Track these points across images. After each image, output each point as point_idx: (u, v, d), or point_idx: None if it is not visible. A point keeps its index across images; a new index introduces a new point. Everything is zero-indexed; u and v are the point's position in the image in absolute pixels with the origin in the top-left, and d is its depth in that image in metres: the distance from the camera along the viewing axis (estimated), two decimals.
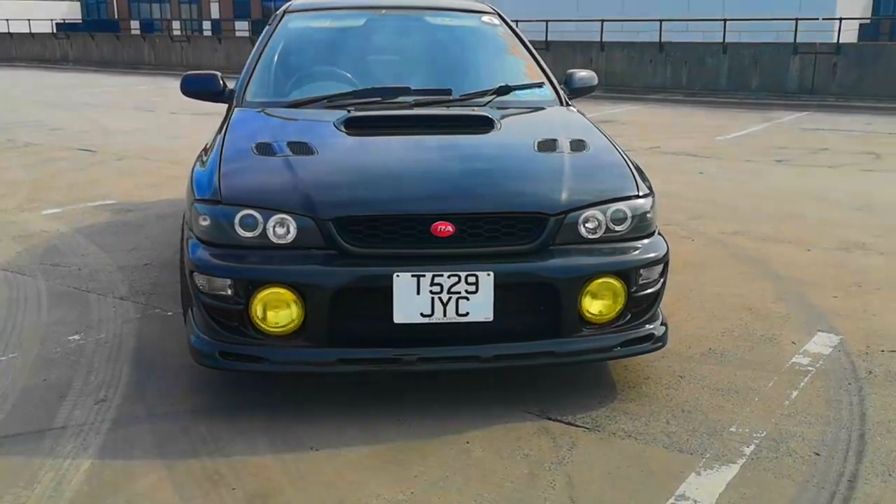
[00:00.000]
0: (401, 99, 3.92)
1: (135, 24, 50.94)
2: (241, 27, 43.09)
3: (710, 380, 3.39)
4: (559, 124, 3.81)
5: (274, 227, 2.94)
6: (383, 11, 4.71)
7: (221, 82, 4.20)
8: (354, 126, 3.53)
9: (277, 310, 2.93)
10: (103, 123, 12.35)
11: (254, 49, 4.39)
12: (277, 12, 4.70)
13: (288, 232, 2.94)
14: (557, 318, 3.02)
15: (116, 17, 55.15)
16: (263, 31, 4.56)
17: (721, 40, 17.07)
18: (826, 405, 3.18)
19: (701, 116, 13.64)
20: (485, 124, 3.62)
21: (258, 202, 2.98)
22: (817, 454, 2.80)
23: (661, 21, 17.54)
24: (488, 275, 2.90)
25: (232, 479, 2.64)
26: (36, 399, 3.19)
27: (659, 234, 3.27)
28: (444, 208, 2.97)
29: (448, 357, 2.99)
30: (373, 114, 3.68)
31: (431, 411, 3.08)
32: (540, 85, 4.29)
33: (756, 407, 3.15)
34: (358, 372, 3.07)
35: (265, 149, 3.36)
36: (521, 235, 3.00)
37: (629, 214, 3.13)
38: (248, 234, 2.96)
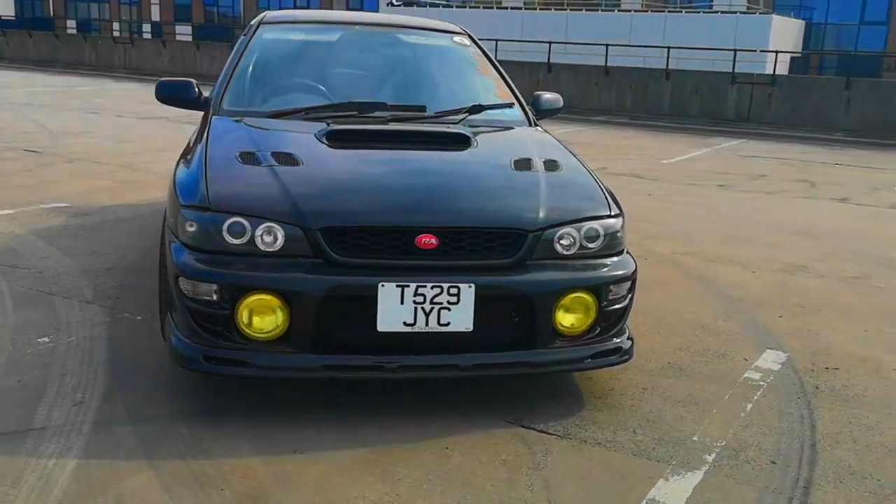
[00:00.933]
0: (377, 114, 4.02)
1: (71, 24, 49.76)
2: (183, 31, 42.53)
3: (670, 392, 3.57)
4: (531, 144, 3.96)
5: (262, 234, 3.01)
6: (357, 28, 4.82)
7: (196, 89, 4.24)
8: (336, 139, 3.62)
9: (263, 316, 3.00)
10: (46, 124, 12.11)
11: (230, 58, 4.45)
12: (252, 22, 4.77)
13: (275, 240, 3.02)
14: (533, 329, 3.16)
15: (52, 14, 53.86)
16: (239, 41, 4.61)
17: (665, 67, 17.60)
18: (778, 417, 3.38)
19: (645, 139, 14.04)
20: (461, 142, 3.74)
21: (247, 210, 3.05)
22: (773, 462, 2.99)
23: (607, 45, 18.00)
24: (470, 287, 3.02)
25: (220, 481, 2.70)
26: (12, 400, 3.19)
27: (627, 252, 3.44)
28: (429, 222, 3.08)
29: (429, 365, 3.10)
30: (354, 128, 3.78)
31: (410, 417, 3.18)
32: (510, 105, 4.45)
33: (715, 418, 3.33)
34: (341, 378, 3.15)
35: (250, 158, 3.42)
36: (500, 250, 3.13)
37: (602, 233, 3.29)
38: (236, 241, 3.02)
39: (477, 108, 4.20)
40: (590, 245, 3.27)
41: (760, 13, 29.85)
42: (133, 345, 3.79)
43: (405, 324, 3.01)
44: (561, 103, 4.78)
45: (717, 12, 30.28)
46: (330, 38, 4.73)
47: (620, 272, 3.30)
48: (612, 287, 3.27)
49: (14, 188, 7.31)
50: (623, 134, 14.73)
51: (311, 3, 43.26)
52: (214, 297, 3.00)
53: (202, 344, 3.04)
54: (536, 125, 4.40)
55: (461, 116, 4.14)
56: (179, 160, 3.77)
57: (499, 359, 3.16)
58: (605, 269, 3.28)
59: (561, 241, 3.21)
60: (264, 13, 4.93)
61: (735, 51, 16.75)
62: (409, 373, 3.09)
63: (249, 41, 4.51)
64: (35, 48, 28.98)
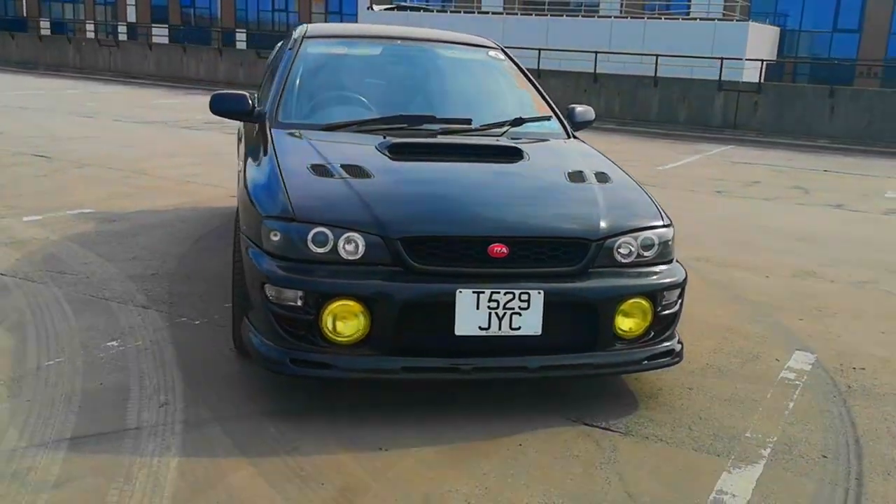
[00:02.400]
0: (425, 126, 4.22)
1: (45, 24, 49.25)
2: (160, 32, 42.26)
3: (715, 391, 3.78)
4: (579, 156, 4.17)
5: (344, 244, 3.19)
6: (398, 42, 5.00)
7: (250, 102, 4.39)
8: (398, 151, 3.80)
9: (346, 320, 3.18)
10: (48, 128, 12.15)
11: (278, 71, 4.59)
12: (294, 36, 4.91)
13: (357, 249, 3.19)
14: (594, 333, 3.36)
15: (26, 14, 53.28)
16: (284, 55, 4.75)
17: (653, 74, 17.94)
18: (819, 415, 3.60)
19: (636, 146, 14.33)
20: (515, 154, 3.94)
21: (330, 220, 3.22)
22: (825, 456, 3.21)
23: (596, 53, 18.29)
24: (539, 293, 3.22)
25: (317, 476, 2.86)
26: (100, 402, 3.33)
27: (676, 260, 3.65)
28: (502, 231, 3.28)
29: (500, 367, 3.29)
30: (415, 141, 3.97)
31: (478, 416, 3.37)
32: (549, 118, 4.66)
33: (762, 415, 3.55)
34: (418, 379, 3.33)
35: (322, 170, 3.59)
36: (565, 258, 3.33)
37: (656, 242, 3.50)
38: (320, 250, 3.20)
39: (518, 121, 4.42)
40: (645, 253, 3.48)
41: (738, 20, 30.38)
42: (198, 348, 3.94)
43: (480, 328, 3.20)
44: (593, 115, 4.98)
45: (695, 19, 30.74)
46: (372, 52, 4.91)
47: (673, 279, 3.51)
48: (665, 293, 3.48)
49: (34, 194, 7.40)
50: (613, 140, 14.99)
51: (288, 4, 43.31)
52: (299, 302, 3.17)
53: (288, 347, 3.21)
54: (574, 137, 4.61)
55: (504, 129, 4.34)
56: (244, 171, 3.91)
57: (564, 360, 3.35)
58: (660, 277, 3.48)
59: (620, 250, 3.42)
60: (304, 26, 5.08)
61: (722, 59, 17.13)
62: (482, 374, 3.28)
63: (296, 55, 4.67)
64: (18, 50, 28.78)
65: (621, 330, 3.42)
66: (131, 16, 50.66)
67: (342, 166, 3.62)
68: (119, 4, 51.70)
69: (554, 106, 4.78)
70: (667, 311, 3.51)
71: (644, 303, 3.42)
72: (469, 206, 3.42)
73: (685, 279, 3.57)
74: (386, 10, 33.56)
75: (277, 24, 43.61)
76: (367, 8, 34.09)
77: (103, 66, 26.14)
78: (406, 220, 3.26)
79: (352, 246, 3.20)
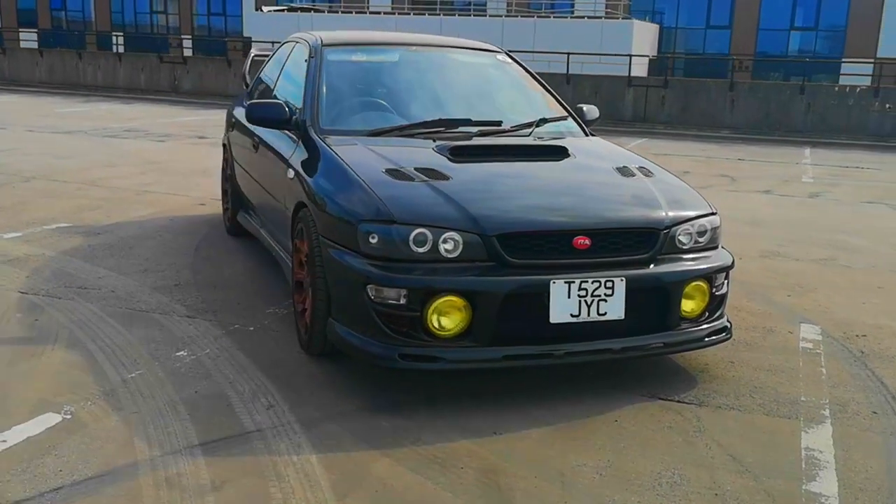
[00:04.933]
0: (461, 129, 4.43)
1: None
2: (28, 37, 40.27)
3: (753, 363, 4.15)
4: (614, 153, 4.49)
5: (443, 243, 3.38)
6: (414, 48, 5.18)
7: (287, 109, 4.48)
8: (458, 154, 4.00)
9: (449, 315, 3.37)
10: None
11: (308, 80, 4.67)
12: (312, 46, 4.96)
13: (455, 247, 3.39)
14: (665, 314, 3.67)
15: None
16: (310, 65, 4.79)
17: (565, 71, 18.57)
18: (852, 378, 4.02)
19: None
20: (561, 153, 4.21)
21: (429, 221, 3.40)
22: (875, 413, 3.62)
23: (508, 53, 18.73)
24: (622, 280, 3.50)
25: (452, 461, 3.04)
26: (206, 408, 3.39)
27: (722, 246, 4.00)
28: (585, 224, 3.54)
29: (588, 350, 3.55)
30: (472, 143, 4.18)
31: (565, 398, 3.61)
32: (566, 117, 4.95)
33: (805, 382, 3.94)
34: (517, 367, 3.54)
35: (399, 174, 3.75)
36: (638, 247, 3.62)
37: (708, 228, 3.84)
38: (420, 250, 3.37)
39: (542, 121, 4.69)
40: (700, 239, 3.81)
41: (623, 18, 31.67)
42: (267, 353, 4.01)
43: (571, 315, 3.45)
44: (597, 113, 5.32)
45: (583, 17, 31.83)
46: (391, 59, 5.06)
47: (725, 262, 3.86)
48: (718, 275, 3.82)
49: None
50: None
51: (167, 5, 42.03)
52: (403, 300, 3.34)
53: (394, 343, 3.37)
54: (592, 135, 4.91)
55: (531, 129, 4.60)
56: (311, 178, 3.99)
57: (642, 342, 3.64)
58: (713, 260, 3.83)
59: (681, 238, 3.74)
60: (316, 36, 5.11)
61: (630, 56, 17.91)
62: (573, 358, 3.53)
63: (321, 64, 4.76)
64: None
65: (685, 311, 3.73)
66: None
67: (416, 170, 3.79)
68: None
69: (567, 106, 5.07)
70: (719, 292, 3.85)
71: (703, 285, 3.76)
72: (552, 202, 3.67)
73: (733, 262, 3.93)
74: (275, 11, 33.19)
75: (156, 26, 42.32)
76: (256, 9, 33.63)
77: None
78: (500, 218, 3.47)
79: (450, 245, 3.38)
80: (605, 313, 3.49)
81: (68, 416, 3.27)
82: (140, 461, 2.96)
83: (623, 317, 3.52)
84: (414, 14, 33.39)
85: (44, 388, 3.53)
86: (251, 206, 5.71)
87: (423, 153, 4.06)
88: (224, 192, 6.62)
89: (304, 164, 4.18)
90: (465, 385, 3.69)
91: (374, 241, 3.41)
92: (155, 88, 22.02)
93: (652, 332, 3.67)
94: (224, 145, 6.57)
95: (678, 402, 3.64)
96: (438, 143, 4.14)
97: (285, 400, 3.50)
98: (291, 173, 4.24)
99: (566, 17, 32.14)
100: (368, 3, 36.17)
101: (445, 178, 3.74)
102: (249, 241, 6.08)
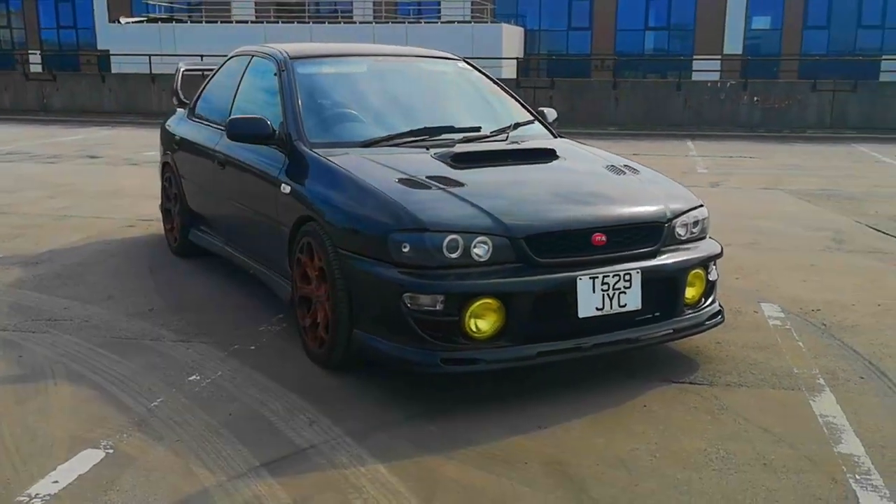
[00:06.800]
0: (444, 136, 4.53)
1: None
2: None
3: (737, 342, 4.45)
4: (595, 153, 4.69)
5: (474, 247, 3.47)
6: (380, 59, 5.22)
7: (269, 125, 4.44)
8: (459, 160, 4.09)
9: (485, 317, 3.47)
10: None
11: (284, 94, 4.63)
12: (279, 60, 4.88)
13: (486, 251, 3.49)
14: (673, 302, 3.90)
15: None
16: (282, 78, 4.74)
17: None
18: (827, 349, 4.38)
19: None
20: (552, 155, 4.39)
21: (460, 227, 3.49)
22: (862, 378, 3.97)
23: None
24: (637, 272, 3.70)
25: (514, 457, 3.14)
26: (250, 429, 3.35)
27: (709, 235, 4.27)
28: (600, 222, 3.72)
29: (612, 341, 3.73)
30: (472, 150, 4.29)
31: (589, 389, 3.77)
32: (533, 121, 5.13)
33: (791, 354, 4.26)
34: (551, 361, 3.66)
35: (413, 183, 3.81)
36: (646, 240, 3.83)
37: (700, 219, 4.11)
38: (453, 256, 3.46)
39: (516, 126, 4.85)
40: (694, 230, 4.07)
41: (492, 22, 32.43)
42: (283, 370, 3.97)
43: (597, 308, 3.62)
44: (556, 115, 5.53)
45: (453, 22, 32.38)
46: (360, 70, 5.09)
47: (717, 250, 4.13)
48: (711, 263, 4.09)
49: None
50: None
51: (11, 20, 39.70)
52: (439, 306, 3.42)
53: (434, 349, 3.43)
54: (560, 136, 5.12)
55: (506, 134, 4.75)
56: (316, 191, 3.98)
57: (657, 329, 3.85)
58: (707, 249, 4.09)
59: (678, 230, 3.98)
60: (280, 49, 5.04)
61: (517, 59, 18.36)
62: (600, 350, 3.70)
63: (294, 77, 4.71)
64: None
65: (686, 298, 3.98)
66: None
67: (429, 178, 3.86)
68: None
69: (531, 110, 5.25)
70: (712, 279, 4.12)
71: (701, 272, 4.02)
72: (569, 203, 3.82)
73: (722, 250, 4.20)
74: (135, 22, 32.04)
75: (1, 41, 39.99)
76: (113, 21, 32.33)
77: None
78: (526, 220, 3.60)
79: (481, 249, 3.48)
80: (625, 304, 3.68)
81: (110, 451, 3.16)
82: (210, 488, 2.90)
83: (640, 307, 3.72)
84: (282, 22, 32.95)
85: (70, 425, 3.39)
86: (211, 225, 5.59)
87: (424, 161, 4.13)
88: (166, 211, 6.43)
89: (300, 178, 4.16)
90: (486, 387, 3.79)
91: (405, 249, 3.46)
92: (22, 108, 20.82)
93: (662, 319, 3.88)
94: (165, 164, 6.37)
95: (691, 383, 3.87)
96: (434, 150, 4.22)
97: (324, 415, 3.49)
98: (287, 188, 4.21)
99: (436, 23, 32.61)
100: (232, 11, 35.46)
101: (461, 184, 3.83)
102: (203, 261, 5.94)
